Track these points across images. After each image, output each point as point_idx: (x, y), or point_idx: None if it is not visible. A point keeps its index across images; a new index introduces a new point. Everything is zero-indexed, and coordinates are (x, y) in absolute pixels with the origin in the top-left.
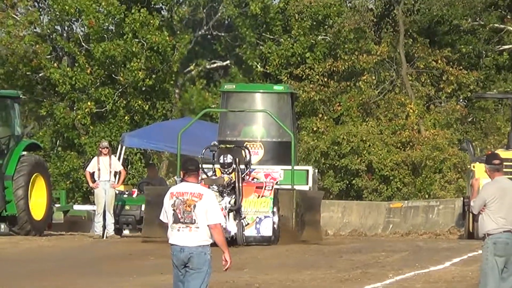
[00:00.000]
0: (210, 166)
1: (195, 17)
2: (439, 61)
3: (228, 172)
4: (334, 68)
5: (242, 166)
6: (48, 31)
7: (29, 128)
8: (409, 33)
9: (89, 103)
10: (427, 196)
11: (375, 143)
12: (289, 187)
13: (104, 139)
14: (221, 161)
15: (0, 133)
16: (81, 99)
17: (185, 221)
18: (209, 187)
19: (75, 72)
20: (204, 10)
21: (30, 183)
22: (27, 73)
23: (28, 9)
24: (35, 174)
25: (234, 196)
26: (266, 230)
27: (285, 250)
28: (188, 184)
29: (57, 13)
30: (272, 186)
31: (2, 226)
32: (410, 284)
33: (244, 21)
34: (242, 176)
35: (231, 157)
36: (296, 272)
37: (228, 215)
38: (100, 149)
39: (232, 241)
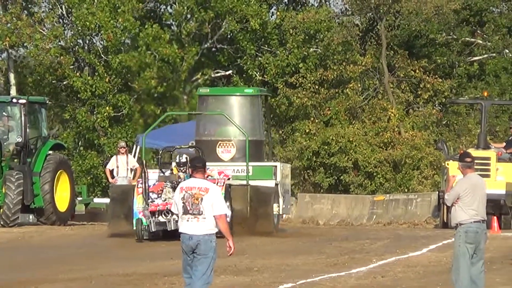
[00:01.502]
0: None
1: (201, 31)
2: (417, 71)
3: (183, 171)
4: (324, 77)
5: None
6: (71, 44)
7: (54, 130)
8: (390, 46)
9: (107, 108)
10: (406, 190)
11: (360, 143)
12: (244, 183)
13: (121, 139)
14: (177, 160)
15: (29, 135)
16: (100, 104)
17: (193, 212)
18: (164, 184)
19: (95, 81)
20: (209, 26)
21: (55, 179)
22: (53, 81)
23: (54, 24)
24: (60, 171)
25: None
26: None
27: (281, 238)
28: (196, 179)
29: (79, 28)
30: (224, 182)
31: (31, 217)
32: (392, 268)
33: (244, 35)
34: None
35: (186, 157)
36: (290, 257)
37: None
38: (118, 148)
39: None
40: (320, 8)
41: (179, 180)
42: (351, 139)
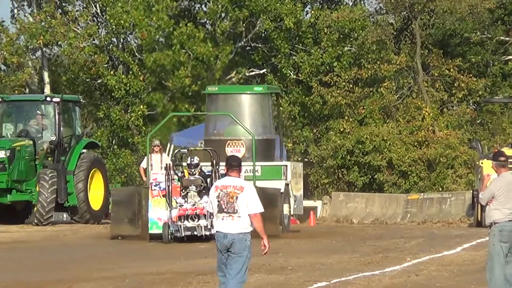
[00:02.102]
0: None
1: (235, 30)
2: (452, 70)
3: (194, 173)
4: (359, 76)
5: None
6: (105, 42)
7: (88, 129)
8: (425, 45)
9: (141, 107)
10: (440, 189)
11: (394, 142)
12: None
13: (155, 138)
14: (188, 161)
15: (63, 133)
16: (134, 103)
17: (228, 211)
18: (187, 188)
19: (129, 79)
20: (244, 24)
21: (89, 177)
22: (87, 80)
23: (88, 23)
24: (94, 169)
25: None
26: None
27: (315, 237)
28: (231, 178)
29: (113, 26)
30: None
31: (64, 215)
32: (426, 267)
33: (279, 34)
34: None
35: (197, 158)
36: (324, 256)
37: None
38: (152, 147)
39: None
40: (355, 7)
41: (203, 184)
42: (385, 138)
